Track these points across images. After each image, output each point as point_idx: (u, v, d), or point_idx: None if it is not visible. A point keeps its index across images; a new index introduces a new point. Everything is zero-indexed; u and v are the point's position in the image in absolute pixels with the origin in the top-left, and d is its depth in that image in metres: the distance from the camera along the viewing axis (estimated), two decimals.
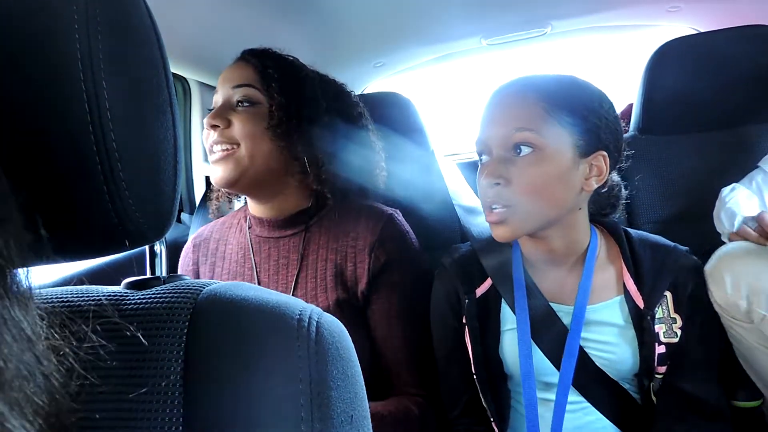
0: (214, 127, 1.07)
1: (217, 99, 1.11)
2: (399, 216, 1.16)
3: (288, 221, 1.14)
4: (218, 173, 1.08)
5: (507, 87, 0.97)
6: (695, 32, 1.95)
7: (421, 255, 1.16)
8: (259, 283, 1.12)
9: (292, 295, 1.08)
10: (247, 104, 1.08)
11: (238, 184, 1.09)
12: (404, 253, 1.12)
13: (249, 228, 1.18)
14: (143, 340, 0.43)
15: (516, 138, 0.90)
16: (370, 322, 1.09)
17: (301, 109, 1.09)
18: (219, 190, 1.24)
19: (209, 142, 1.09)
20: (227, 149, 1.07)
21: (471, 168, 1.59)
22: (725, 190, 1.23)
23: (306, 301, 1.01)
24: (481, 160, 0.97)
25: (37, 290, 0.49)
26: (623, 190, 1.07)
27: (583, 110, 0.92)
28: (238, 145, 1.07)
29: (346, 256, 1.09)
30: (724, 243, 1.19)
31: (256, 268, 1.14)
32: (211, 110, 1.11)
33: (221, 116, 1.07)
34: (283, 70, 1.11)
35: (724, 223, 1.20)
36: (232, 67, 1.12)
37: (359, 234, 1.10)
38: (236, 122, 1.07)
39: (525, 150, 0.89)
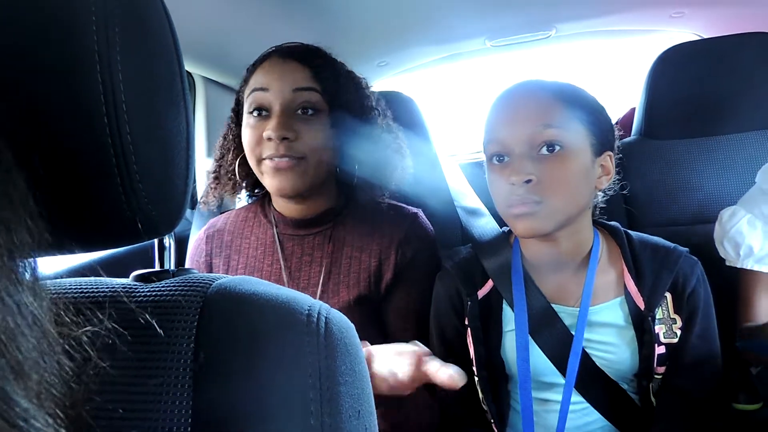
0: (283, 139, 1.00)
1: (269, 102, 1.03)
2: (422, 215, 1.18)
3: (314, 220, 1.13)
4: (283, 184, 1.03)
5: (523, 87, 0.97)
6: (698, 38, 1.95)
7: (438, 254, 1.18)
8: (280, 280, 1.11)
9: (315, 291, 1.09)
10: (311, 112, 1.03)
11: (302, 193, 1.06)
12: (428, 251, 1.14)
13: (274, 225, 1.16)
14: (159, 331, 0.43)
15: (544, 136, 0.90)
16: (386, 314, 1.11)
17: (355, 116, 1.08)
18: (222, 186, 1.20)
19: (267, 153, 1.02)
20: (293, 161, 1.02)
21: (473, 169, 1.60)
22: (725, 215, 1.21)
23: (328, 297, 1.03)
24: (498, 159, 0.96)
25: (49, 280, 0.49)
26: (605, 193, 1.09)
27: (594, 111, 0.95)
28: (303, 157, 1.02)
29: (371, 253, 1.10)
30: (728, 267, 1.19)
31: (277, 264, 1.13)
32: (259, 110, 1.05)
33: (290, 127, 1.01)
34: (338, 74, 1.08)
35: (728, 251, 1.18)
36: (286, 66, 1.04)
37: (385, 232, 1.11)
38: (303, 133, 1.02)
39: (554, 148, 0.90)
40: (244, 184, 1.19)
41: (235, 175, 1.15)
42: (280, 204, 1.16)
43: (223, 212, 1.27)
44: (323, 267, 1.10)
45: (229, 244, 1.18)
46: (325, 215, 1.13)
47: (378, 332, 1.10)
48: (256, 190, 1.23)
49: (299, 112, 1.03)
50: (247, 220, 1.20)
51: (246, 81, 1.10)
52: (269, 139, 1.01)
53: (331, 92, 1.05)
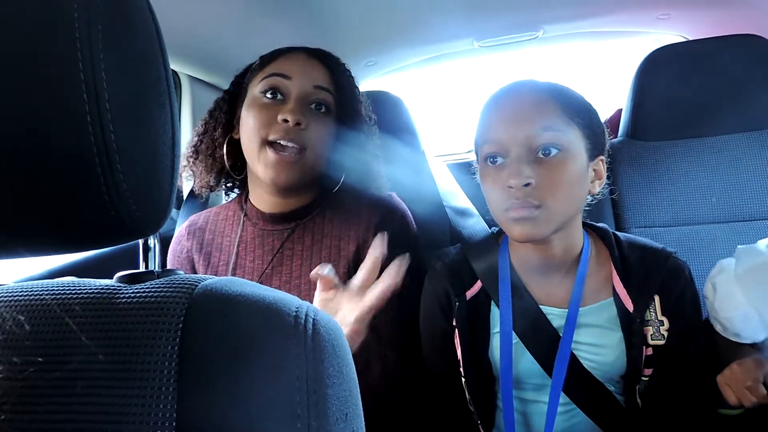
0: (297, 124, 1.03)
1: (288, 88, 1.07)
2: (396, 197, 1.20)
3: (292, 214, 1.14)
4: (281, 176, 1.04)
5: (521, 87, 0.96)
6: (684, 40, 1.97)
7: (416, 234, 1.19)
8: (262, 275, 1.12)
9: (298, 284, 1.09)
10: (323, 109, 1.08)
11: (292, 186, 1.08)
12: (404, 229, 1.15)
13: (253, 222, 1.17)
14: (142, 333, 0.42)
15: (544, 138, 0.89)
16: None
17: (355, 124, 1.13)
18: (200, 162, 1.19)
19: (273, 136, 1.03)
20: (296, 153, 1.04)
21: (461, 169, 1.60)
22: (721, 289, 1.06)
23: (309, 288, 1.03)
24: (492, 161, 0.94)
25: (31, 281, 0.49)
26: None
27: (590, 115, 0.95)
28: (305, 149, 1.05)
29: (350, 240, 1.11)
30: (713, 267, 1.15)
31: (259, 260, 1.14)
32: (274, 92, 1.07)
33: (305, 114, 1.04)
34: (349, 82, 1.13)
35: (716, 324, 1.07)
36: (310, 62, 1.10)
37: (362, 217, 1.12)
38: (313, 125, 1.05)
39: (553, 151, 0.89)
40: (221, 164, 1.18)
41: (215, 151, 1.16)
42: (258, 200, 1.17)
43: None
44: (303, 260, 1.11)
45: (210, 242, 1.20)
46: (302, 209, 1.15)
47: None
48: (220, 179, 1.22)
49: (313, 106, 1.07)
50: (228, 218, 1.21)
51: (261, 67, 1.11)
52: (285, 120, 1.02)
53: (341, 98, 1.10)
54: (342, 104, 1.10)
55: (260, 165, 1.05)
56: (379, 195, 1.17)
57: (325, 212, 1.15)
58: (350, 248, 1.10)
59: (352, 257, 1.10)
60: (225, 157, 1.15)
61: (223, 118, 1.16)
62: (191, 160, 1.19)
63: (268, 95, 1.07)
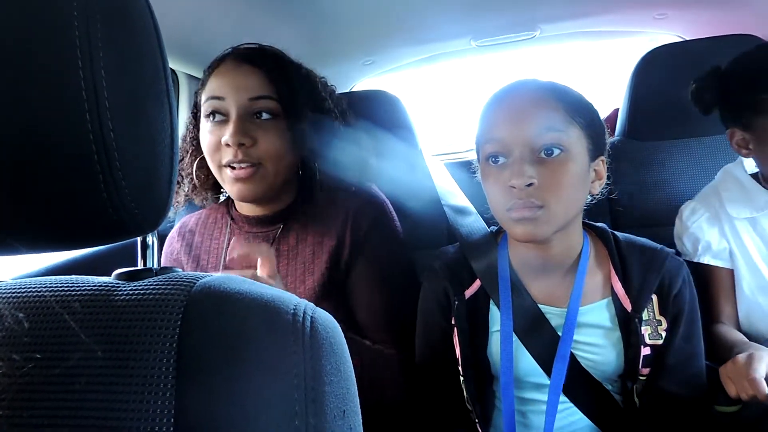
0: (240, 145, 1.01)
1: (226, 108, 1.04)
2: (375, 188, 1.20)
3: (276, 216, 1.15)
4: (244, 192, 1.04)
5: (524, 87, 0.96)
6: (681, 40, 1.97)
7: (397, 223, 1.19)
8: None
9: (285, 282, 1.09)
10: (268, 116, 1.04)
11: (262, 198, 1.08)
12: (383, 219, 1.15)
13: (239, 226, 1.18)
14: (140, 331, 0.42)
15: (547, 139, 0.89)
16: (350, 289, 1.11)
17: (313, 118, 1.09)
18: (182, 188, 1.20)
19: (226, 159, 1.03)
20: (252, 168, 1.03)
21: (459, 168, 1.60)
22: (685, 211, 1.25)
23: (294, 286, 1.04)
24: (494, 160, 0.94)
25: (29, 278, 0.49)
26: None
27: (590, 115, 0.95)
28: (261, 163, 1.03)
29: (331, 234, 1.11)
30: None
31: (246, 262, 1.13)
32: (215, 115, 1.05)
33: (247, 133, 1.01)
34: (294, 77, 1.09)
35: (686, 246, 1.23)
36: (240, 72, 1.05)
37: (339, 209, 1.12)
38: (261, 139, 1.02)
39: (555, 151, 0.89)
40: (203, 186, 1.20)
41: (193, 177, 1.17)
42: (241, 206, 1.18)
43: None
44: (289, 259, 1.12)
45: (199, 245, 1.21)
46: (285, 210, 1.15)
47: (347, 318, 1.10)
48: (218, 191, 1.24)
49: (255, 117, 1.04)
50: (217, 221, 1.22)
51: (203, 84, 1.10)
52: (227, 144, 1.01)
53: (286, 97, 1.05)
54: (288, 102, 1.05)
55: (226, 185, 1.07)
56: (358, 187, 1.17)
57: (306, 210, 1.15)
58: (331, 243, 1.10)
59: (333, 251, 1.10)
60: (196, 180, 1.17)
61: (191, 144, 1.17)
62: (175, 190, 1.19)
63: (212, 118, 1.06)
